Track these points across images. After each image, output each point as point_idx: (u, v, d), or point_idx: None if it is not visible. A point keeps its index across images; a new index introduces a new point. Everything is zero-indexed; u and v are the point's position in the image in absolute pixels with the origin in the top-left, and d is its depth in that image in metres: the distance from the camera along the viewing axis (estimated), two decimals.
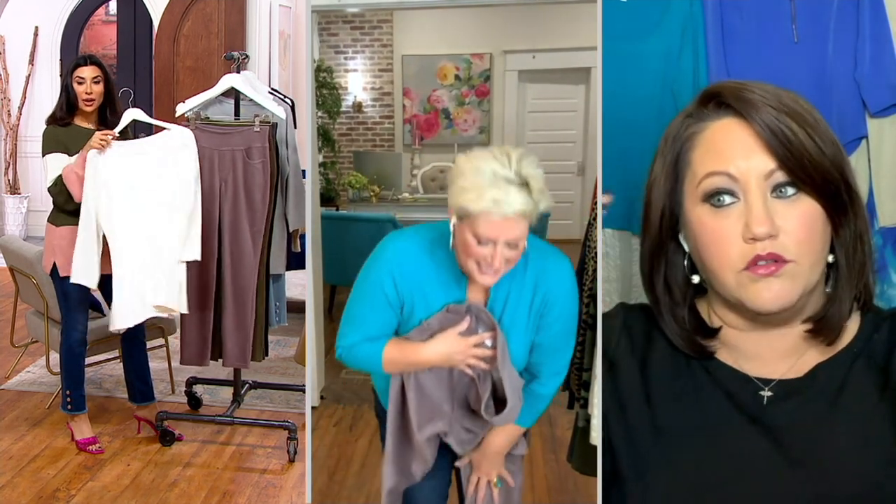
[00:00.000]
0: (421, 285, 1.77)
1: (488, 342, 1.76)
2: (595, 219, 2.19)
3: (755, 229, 1.14)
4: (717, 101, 1.22)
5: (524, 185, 1.59)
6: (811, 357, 1.22)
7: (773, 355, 1.23)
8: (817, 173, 1.14)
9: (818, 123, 1.18)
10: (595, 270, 2.14)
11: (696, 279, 1.26)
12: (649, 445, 1.26)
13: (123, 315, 3.23)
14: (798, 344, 1.22)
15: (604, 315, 1.45)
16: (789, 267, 1.14)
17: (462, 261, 1.70)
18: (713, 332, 1.25)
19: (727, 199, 1.17)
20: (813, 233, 1.16)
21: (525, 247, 1.66)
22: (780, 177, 1.15)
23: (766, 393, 1.21)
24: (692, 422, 1.24)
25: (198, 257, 3.26)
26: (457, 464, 1.98)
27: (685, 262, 1.26)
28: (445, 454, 2.01)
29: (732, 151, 1.17)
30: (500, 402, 1.83)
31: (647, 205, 1.29)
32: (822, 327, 1.20)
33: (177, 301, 3.23)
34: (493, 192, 1.58)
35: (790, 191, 1.16)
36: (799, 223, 1.15)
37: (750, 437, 1.20)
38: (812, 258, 1.16)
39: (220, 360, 3.48)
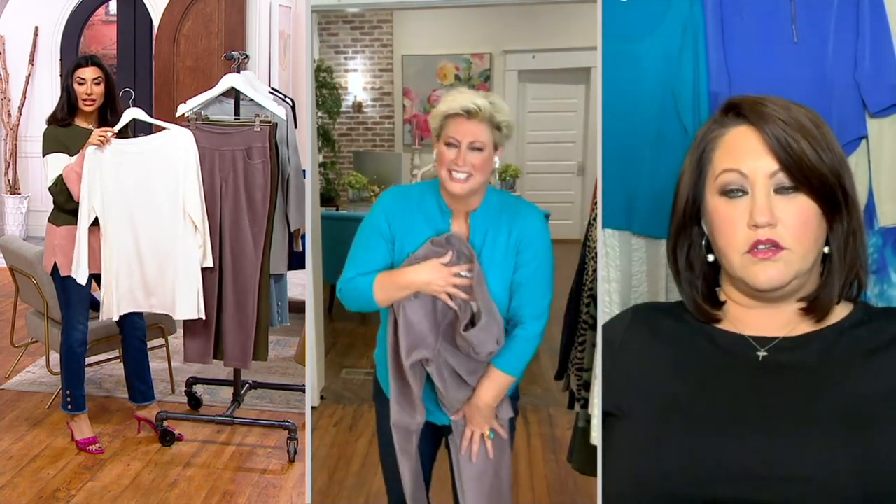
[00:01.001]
0: (410, 219, 2.04)
1: (466, 273, 1.98)
2: (595, 219, 2.19)
3: (757, 218, 1.36)
4: (736, 111, 1.46)
5: (488, 101, 1.96)
6: (803, 329, 1.43)
7: (771, 327, 1.44)
8: (814, 177, 1.37)
9: (822, 135, 1.40)
10: (595, 270, 2.15)
11: (711, 258, 1.49)
12: (638, 384, 1.45)
13: (113, 305, 3.32)
14: (792, 318, 1.43)
15: (614, 317, 1.64)
16: (784, 254, 1.36)
17: (441, 177, 1.99)
18: (720, 304, 1.49)
19: (738, 192, 1.41)
20: (807, 226, 1.37)
21: (490, 161, 1.98)
22: (782, 177, 1.38)
23: (762, 352, 1.41)
24: (688, 367, 1.44)
25: (211, 264, 3.32)
26: (452, 418, 2.06)
27: (703, 243, 1.50)
28: (428, 437, 2.09)
29: (745, 153, 1.41)
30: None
31: (676, 193, 1.54)
32: (814, 307, 1.42)
33: (196, 309, 3.31)
34: (457, 96, 1.97)
35: (790, 189, 1.38)
36: (796, 217, 1.37)
37: (745, 376, 1.39)
38: (805, 247, 1.37)
39: (222, 360, 3.48)
